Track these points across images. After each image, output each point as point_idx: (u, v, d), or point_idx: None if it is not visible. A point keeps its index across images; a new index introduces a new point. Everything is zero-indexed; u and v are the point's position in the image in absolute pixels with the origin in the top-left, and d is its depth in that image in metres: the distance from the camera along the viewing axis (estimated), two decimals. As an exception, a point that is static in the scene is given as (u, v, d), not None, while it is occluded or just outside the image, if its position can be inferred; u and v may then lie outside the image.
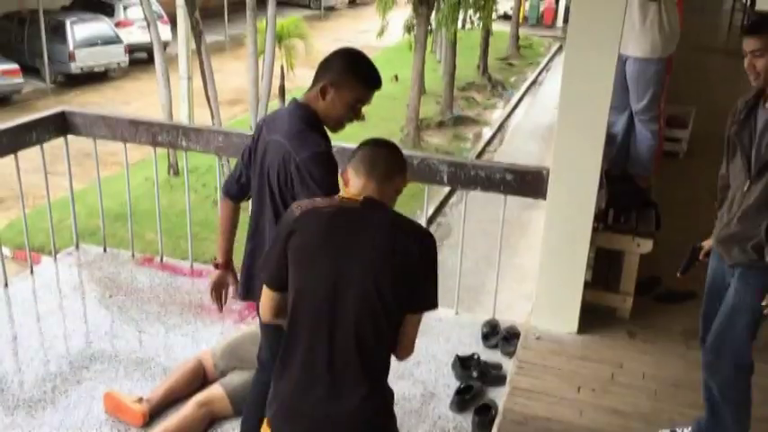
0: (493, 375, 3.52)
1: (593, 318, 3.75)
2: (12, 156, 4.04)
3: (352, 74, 2.35)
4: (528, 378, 3.40)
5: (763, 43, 2.52)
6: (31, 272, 4.38)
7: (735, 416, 2.80)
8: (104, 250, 4.62)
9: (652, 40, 4.24)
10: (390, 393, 2.09)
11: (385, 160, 2.07)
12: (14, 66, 16.59)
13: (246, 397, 2.88)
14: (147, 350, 3.67)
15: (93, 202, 4.58)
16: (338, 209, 2.01)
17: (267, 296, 2.10)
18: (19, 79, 16.64)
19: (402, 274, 1.94)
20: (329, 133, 2.45)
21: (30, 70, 17.43)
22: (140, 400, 3.12)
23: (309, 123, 2.36)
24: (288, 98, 14.45)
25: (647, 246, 3.74)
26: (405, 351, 2.06)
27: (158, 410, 3.13)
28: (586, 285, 3.72)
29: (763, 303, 2.59)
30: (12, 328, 3.89)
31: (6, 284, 4.19)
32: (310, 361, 1.98)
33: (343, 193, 2.08)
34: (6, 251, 8.66)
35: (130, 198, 4.61)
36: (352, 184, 2.05)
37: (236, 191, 2.67)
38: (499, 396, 3.35)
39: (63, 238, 4.87)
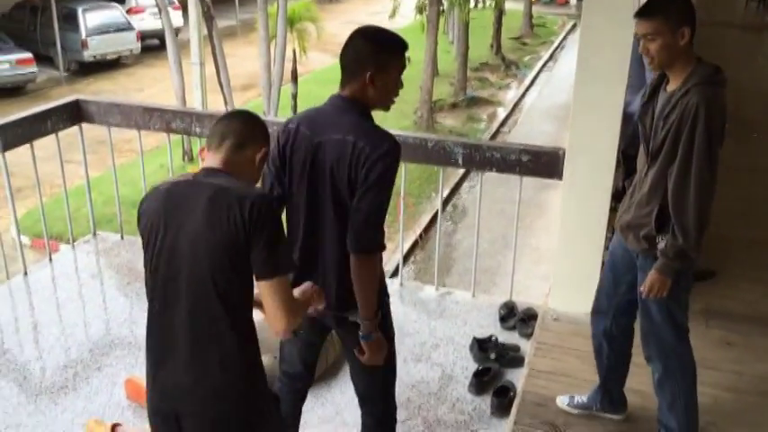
0: (511, 357, 3.51)
1: (611, 298, 3.72)
2: (28, 145, 4.07)
3: (386, 50, 2.29)
4: (546, 359, 3.39)
5: (655, 27, 2.38)
6: (50, 260, 4.41)
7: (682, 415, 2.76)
8: (121, 237, 4.64)
9: None
10: (250, 381, 2.01)
11: (235, 131, 2.03)
12: (28, 55, 16.65)
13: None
14: (165, 336, 3.69)
15: (108, 189, 4.60)
16: (172, 183, 2.00)
17: None
18: (33, 68, 16.70)
19: (229, 243, 1.85)
20: None
21: (43, 59, 17.49)
22: (161, 385, 3.15)
23: (368, 116, 2.29)
24: (300, 82, 14.29)
25: None
26: (276, 321, 1.92)
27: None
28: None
29: (641, 289, 2.56)
30: (32, 316, 3.93)
31: (26, 273, 4.23)
32: (161, 339, 1.99)
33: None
34: (25, 239, 8.75)
35: (146, 185, 4.62)
36: (206, 158, 2.03)
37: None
38: (517, 378, 3.35)
39: (80, 226, 4.91)
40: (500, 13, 21.00)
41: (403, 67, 2.32)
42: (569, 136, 3.52)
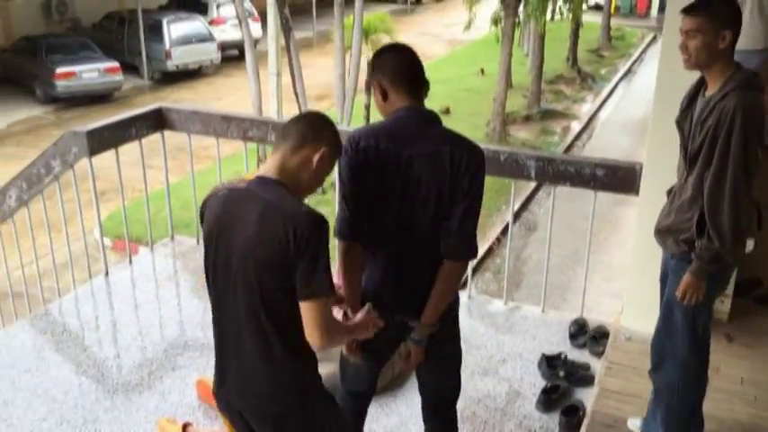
0: (580, 375, 3.44)
1: (687, 319, 3.60)
2: (113, 150, 4.25)
3: (386, 63, 2.35)
4: (618, 379, 3.30)
5: (699, 24, 2.37)
6: (130, 261, 4.58)
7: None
8: (197, 242, 4.78)
9: (754, 30, 4.02)
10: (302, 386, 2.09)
11: (297, 131, 2.03)
12: (115, 64, 17.38)
13: (329, 389, 2.94)
14: (236, 339, 3.76)
15: (186, 194, 4.74)
16: (229, 190, 2.03)
17: None
18: (119, 77, 17.42)
19: (275, 261, 1.90)
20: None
21: (129, 68, 18.22)
22: (230, 387, 3.21)
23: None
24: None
25: (748, 245, 3.56)
26: (311, 339, 1.95)
27: (247, 398, 3.21)
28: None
29: (677, 293, 2.51)
30: (112, 315, 4.09)
31: (107, 273, 4.40)
32: (220, 345, 2.11)
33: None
34: (107, 241, 9.11)
35: (222, 191, 4.74)
36: (268, 160, 2.07)
37: (358, 228, 2.34)
38: (587, 397, 3.28)
39: (159, 230, 5.07)
40: (577, 25, 20.67)
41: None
42: (647, 150, 3.43)
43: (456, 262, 2.29)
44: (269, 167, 2.01)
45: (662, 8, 25.70)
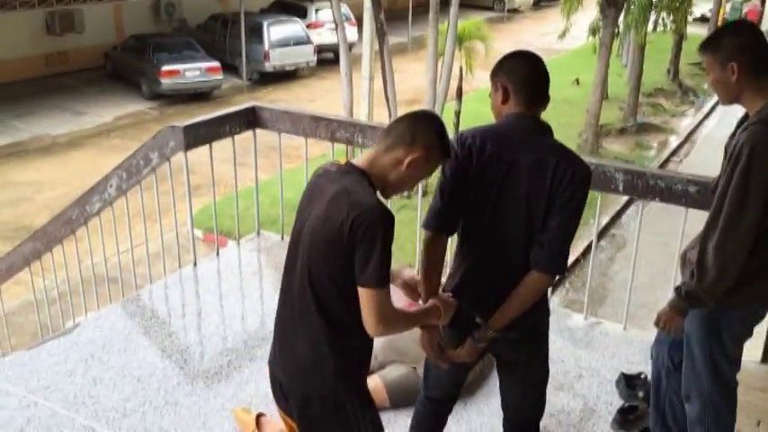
0: (660, 398, 3.31)
1: (780, 348, 3.43)
2: (207, 146, 4.41)
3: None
4: (700, 405, 3.16)
5: (707, 62, 2.39)
6: (217, 254, 4.74)
7: None
8: (282, 238, 4.90)
9: None
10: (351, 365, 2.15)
11: (397, 131, 2.07)
12: (216, 63, 18.04)
13: (403, 391, 2.96)
14: (314, 336, 3.83)
15: (275, 192, 4.87)
16: (322, 171, 2.11)
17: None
18: (219, 76, 18.07)
19: (331, 244, 1.96)
20: None
21: (229, 68, 18.87)
22: (305, 382, 3.27)
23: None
24: (464, 100, 14.36)
25: None
26: (366, 326, 2.01)
27: (320, 394, 3.26)
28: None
29: (655, 323, 2.49)
30: (198, 304, 4.25)
31: (195, 264, 4.58)
32: (279, 317, 2.23)
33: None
34: (198, 233, 9.45)
35: (308, 190, 4.84)
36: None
37: (445, 222, 2.36)
38: (666, 420, 3.15)
39: (247, 225, 5.23)
40: (680, 36, 19.96)
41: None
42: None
43: (540, 273, 2.25)
44: (362, 157, 2.11)
45: (774, 21, 24.47)
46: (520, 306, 2.28)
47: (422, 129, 2.08)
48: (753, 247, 2.35)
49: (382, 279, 1.97)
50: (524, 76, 2.29)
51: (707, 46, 2.41)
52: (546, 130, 2.31)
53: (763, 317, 2.61)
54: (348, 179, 2.01)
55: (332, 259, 1.98)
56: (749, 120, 2.36)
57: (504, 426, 2.63)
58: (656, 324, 2.54)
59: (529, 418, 2.59)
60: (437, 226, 2.34)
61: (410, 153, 2.04)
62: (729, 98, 2.43)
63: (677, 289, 2.46)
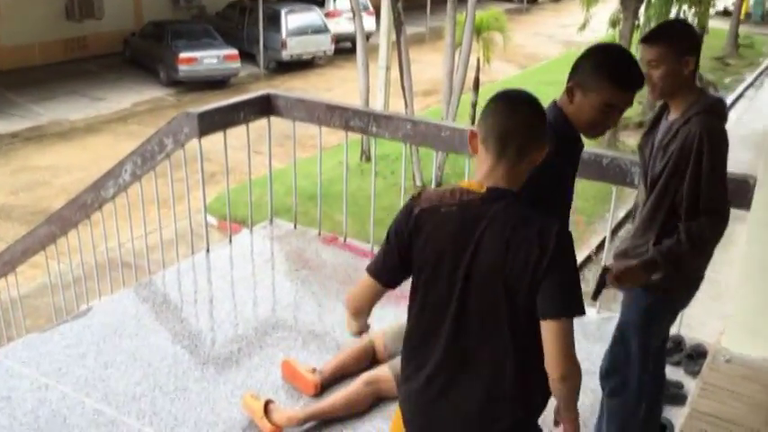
0: (672, 393, 3.28)
1: (795, 346, 3.39)
2: (222, 133, 4.41)
3: (600, 73, 2.14)
4: (712, 402, 3.14)
5: (659, 54, 2.36)
6: (230, 241, 4.76)
7: None
8: (294, 227, 4.90)
9: None
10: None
11: (520, 133, 1.82)
12: (234, 51, 18.07)
13: None
14: (324, 324, 3.84)
15: (290, 180, 4.87)
16: (458, 206, 1.82)
17: (369, 286, 2.00)
18: (237, 64, 18.09)
19: (524, 276, 1.74)
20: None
21: (246, 56, 18.88)
22: (314, 370, 3.29)
23: (556, 125, 2.16)
24: (481, 91, 14.31)
25: None
26: (550, 366, 1.80)
27: (329, 383, 3.27)
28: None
29: (609, 279, 2.45)
30: (210, 290, 4.26)
31: (208, 250, 4.59)
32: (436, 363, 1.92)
33: (473, 178, 1.88)
34: (213, 220, 9.48)
35: (321, 179, 4.84)
36: (481, 160, 1.85)
37: None
38: (677, 416, 3.13)
39: (261, 213, 5.23)
40: (702, 30, 19.70)
41: (614, 101, 2.16)
42: (763, 163, 3.24)
43: None
44: (497, 177, 1.83)
45: (798, 16, 24.13)
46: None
47: (541, 120, 1.90)
48: None
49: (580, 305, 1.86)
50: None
51: (661, 38, 2.40)
52: (549, 112, 2.17)
53: (688, 302, 2.69)
54: (509, 207, 1.82)
55: (530, 298, 1.81)
56: (687, 112, 2.39)
57: None
58: (615, 277, 2.44)
59: None
60: None
61: (541, 151, 1.86)
62: (670, 92, 2.44)
63: (660, 251, 2.41)
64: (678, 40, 2.39)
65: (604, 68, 2.16)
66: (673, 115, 2.47)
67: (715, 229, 2.40)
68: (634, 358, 2.63)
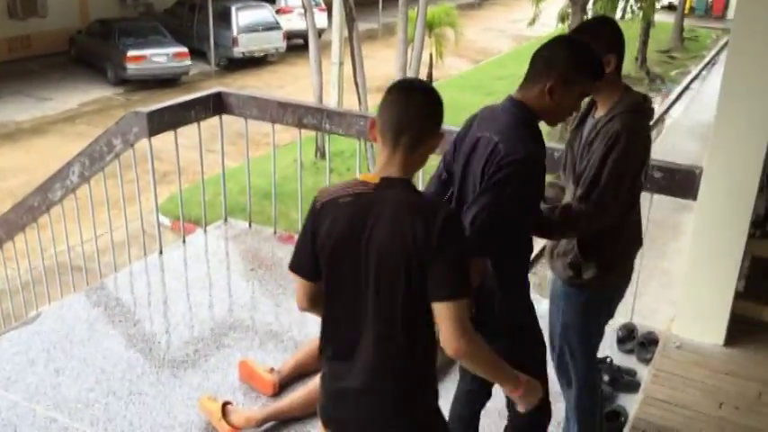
0: (625, 381, 3.36)
1: (742, 331, 3.49)
2: (173, 132, 4.33)
3: (583, 68, 2.20)
4: (664, 388, 3.22)
5: None
6: (184, 242, 4.68)
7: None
8: (249, 226, 4.85)
9: None
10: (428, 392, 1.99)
11: (414, 123, 1.86)
12: (184, 49, 17.76)
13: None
14: (281, 323, 3.81)
15: (244, 179, 4.82)
16: (354, 197, 1.87)
17: (300, 285, 2.04)
18: (187, 62, 17.79)
19: (421, 261, 1.78)
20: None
21: (197, 53, 18.59)
22: (272, 370, 3.26)
23: (526, 123, 2.19)
24: (435, 86, 14.47)
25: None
26: (444, 346, 1.83)
27: (287, 382, 3.25)
28: (737, 296, 3.46)
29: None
30: (163, 292, 4.19)
31: (161, 252, 4.51)
32: (342, 350, 1.96)
33: (368, 170, 1.95)
34: (166, 221, 9.33)
35: (275, 177, 4.80)
36: (379, 150, 1.91)
37: (437, 187, 2.43)
38: (630, 403, 3.20)
39: (215, 212, 5.17)
40: (648, 24, 20.16)
41: (589, 91, 2.27)
42: (708, 153, 3.33)
43: None
44: (393, 167, 1.88)
45: (739, 10, 24.77)
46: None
47: (434, 110, 1.92)
48: (619, 231, 2.49)
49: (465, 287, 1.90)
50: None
51: (583, 35, 2.40)
52: (516, 109, 2.21)
53: (623, 295, 2.72)
54: (401, 193, 1.88)
55: (417, 281, 1.86)
56: (612, 110, 2.41)
57: (506, 427, 2.55)
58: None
59: (529, 421, 2.42)
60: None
61: (435, 140, 1.91)
62: (596, 89, 2.44)
63: (562, 207, 2.45)
64: (599, 38, 2.39)
65: (584, 63, 2.20)
66: (599, 113, 2.50)
67: (591, 221, 2.40)
68: (578, 357, 2.68)
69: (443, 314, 1.81)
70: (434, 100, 1.93)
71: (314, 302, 2.02)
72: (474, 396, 2.61)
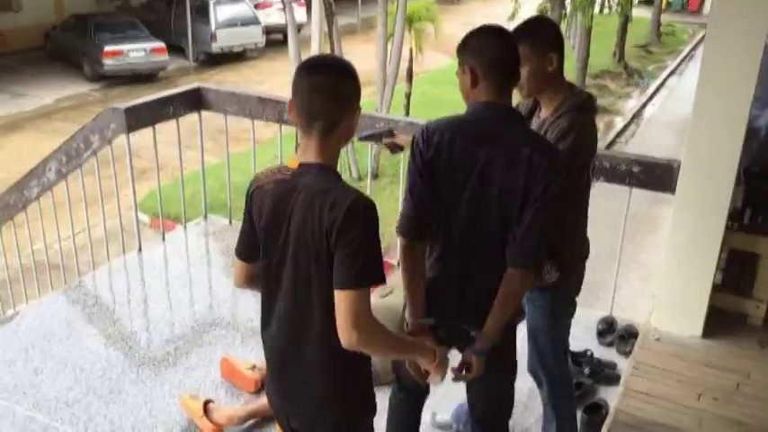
0: (606, 374, 3.39)
1: (720, 323, 3.53)
2: (151, 128, 4.29)
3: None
4: (644, 380, 3.25)
5: (522, 53, 2.25)
6: (163, 239, 4.65)
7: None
8: (230, 222, 4.83)
9: None
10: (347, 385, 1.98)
11: (322, 109, 1.81)
12: (161, 44, 17.58)
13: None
14: (263, 320, 3.79)
15: (224, 176, 4.79)
16: (275, 183, 1.89)
17: (237, 265, 2.10)
18: (165, 57, 17.62)
19: (327, 248, 1.78)
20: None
21: (175, 49, 18.42)
22: (254, 367, 3.25)
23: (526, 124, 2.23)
24: (414, 82, 14.18)
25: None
26: (342, 335, 1.79)
27: (269, 379, 3.23)
28: (715, 288, 3.50)
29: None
30: (143, 290, 4.16)
31: (140, 249, 4.47)
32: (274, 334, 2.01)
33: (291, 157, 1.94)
34: (145, 218, 9.26)
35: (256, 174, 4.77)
36: (299, 135, 1.90)
37: (422, 227, 2.23)
38: (611, 396, 3.23)
39: (195, 209, 5.13)
40: (626, 19, 20.27)
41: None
42: (686, 148, 3.35)
43: (516, 270, 2.13)
44: (310, 152, 1.86)
45: (715, 5, 25.04)
46: (506, 308, 2.18)
47: (343, 92, 1.87)
48: (573, 232, 2.52)
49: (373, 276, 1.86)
50: (495, 59, 2.11)
51: (523, 38, 2.33)
52: (517, 118, 2.21)
53: (581, 282, 2.76)
54: (313, 179, 1.84)
55: (329, 268, 1.85)
56: (558, 109, 2.43)
57: (471, 422, 2.56)
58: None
59: (495, 413, 2.49)
60: (414, 234, 2.21)
61: (352, 117, 1.88)
62: (537, 90, 2.46)
63: None
64: (539, 38, 2.40)
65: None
66: (544, 112, 2.50)
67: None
68: (549, 358, 2.71)
69: (337, 303, 1.79)
70: (341, 79, 1.85)
71: (250, 280, 2.08)
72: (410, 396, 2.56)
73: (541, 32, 2.42)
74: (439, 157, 2.14)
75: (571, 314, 2.72)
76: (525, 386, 3.33)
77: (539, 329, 2.68)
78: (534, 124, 2.53)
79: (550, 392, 2.79)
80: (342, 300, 1.78)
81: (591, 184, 2.59)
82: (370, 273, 1.79)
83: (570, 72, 18.33)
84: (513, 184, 2.08)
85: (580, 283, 2.70)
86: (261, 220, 1.93)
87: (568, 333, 2.76)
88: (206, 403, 3.01)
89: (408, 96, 14.29)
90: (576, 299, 2.71)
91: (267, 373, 2.13)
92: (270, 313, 2.00)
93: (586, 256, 2.67)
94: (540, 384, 2.82)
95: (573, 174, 2.34)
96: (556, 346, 2.72)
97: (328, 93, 1.83)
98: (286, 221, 1.86)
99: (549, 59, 2.39)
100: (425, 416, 2.85)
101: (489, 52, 2.12)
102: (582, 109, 2.45)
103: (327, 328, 1.83)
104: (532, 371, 2.79)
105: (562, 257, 2.47)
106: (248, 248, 2.01)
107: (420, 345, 2.08)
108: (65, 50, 17.96)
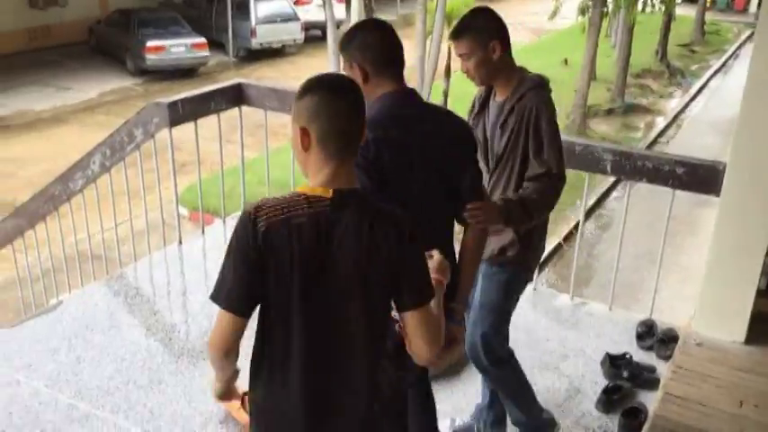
0: (645, 378, 3.34)
1: (763, 329, 3.45)
2: (192, 123, 4.35)
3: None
4: (684, 385, 3.19)
5: (467, 47, 2.49)
6: (203, 232, 4.71)
7: (518, 406, 2.88)
8: (268, 217, 4.85)
9: None
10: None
11: (356, 128, 1.74)
12: (202, 40, 17.81)
13: None
14: (299, 315, 3.82)
15: (262, 170, 4.83)
16: (308, 216, 1.68)
17: (227, 321, 1.80)
18: (205, 52, 17.85)
19: (389, 272, 1.71)
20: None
21: (215, 44, 18.64)
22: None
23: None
24: (453, 79, 14.16)
25: None
26: (421, 352, 1.78)
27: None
28: (759, 293, 3.42)
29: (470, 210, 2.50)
30: (183, 283, 4.22)
31: (180, 242, 4.54)
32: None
33: (305, 183, 1.76)
34: (185, 211, 9.38)
35: (294, 169, 4.80)
36: (316, 159, 1.72)
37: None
38: (650, 400, 3.18)
39: (234, 203, 5.18)
40: (669, 17, 19.92)
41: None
42: (732, 148, 3.29)
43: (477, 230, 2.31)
44: (342, 178, 1.73)
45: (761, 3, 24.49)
46: (475, 266, 2.35)
47: (360, 112, 1.80)
48: None
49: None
50: (380, 51, 2.16)
51: (464, 32, 2.50)
52: (419, 97, 2.29)
53: (535, 268, 2.94)
54: (364, 204, 1.77)
55: (391, 292, 1.79)
56: (517, 91, 2.52)
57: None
58: (471, 213, 2.32)
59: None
60: None
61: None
62: (489, 78, 2.56)
63: (521, 197, 2.51)
64: (478, 30, 2.49)
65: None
66: (500, 97, 2.59)
67: (557, 186, 2.54)
68: (491, 336, 2.71)
69: (412, 323, 1.75)
70: (362, 95, 1.80)
71: (239, 341, 1.81)
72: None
73: (479, 24, 2.52)
74: (381, 153, 2.10)
75: (520, 292, 2.80)
76: (562, 386, 3.32)
77: (488, 305, 2.69)
78: (492, 110, 2.63)
79: (496, 375, 2.80)
80: (416, 317, 1.75)
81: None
82: (431, 285, 1.81)
83: (610, 70, 18.10)
84: (452, 156, 2.23)
85: (537, 261, 2.82)
86: (288, 263, 1.68)
87: (511, 315, 2.80)
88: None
89: (446, 93, 14.24)
90: (530, 280, 2.86)
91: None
92: (285, 370, 1.82)
93: (544, 236, 2.78)
94: (483, 370, 2.81)
95: (559, 141, 2.52)
96: (501, 325, 2.76)
97: (360, 111, 1.77)
98: (331, 258, 1.69)
99: (492, 48, 2.49)
100: (444, 422, 2.86)
101: (375, 47, 2.16)
102: (541, 86, 2.54)
103: (374, 371, 1.82)
104: (474, 356, 2.76)
105: (525, 233, 2.60)
106: (248, 300, 1.76)
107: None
108: (108, 45, 18.31)
